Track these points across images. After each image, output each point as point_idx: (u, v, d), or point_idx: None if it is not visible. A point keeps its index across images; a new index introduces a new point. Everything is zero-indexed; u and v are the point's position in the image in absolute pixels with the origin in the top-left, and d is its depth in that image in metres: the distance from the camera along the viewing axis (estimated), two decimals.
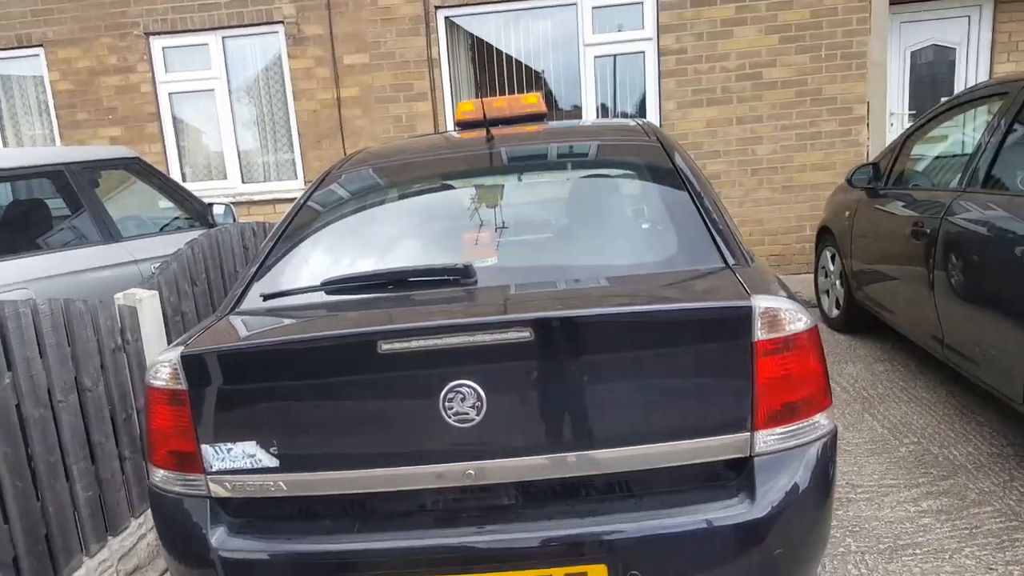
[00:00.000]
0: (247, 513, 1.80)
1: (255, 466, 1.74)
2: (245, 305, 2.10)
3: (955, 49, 7.42)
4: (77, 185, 4.52)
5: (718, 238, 2.03)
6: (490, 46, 7.19)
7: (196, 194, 5.86)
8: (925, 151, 4.46)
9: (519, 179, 2.63)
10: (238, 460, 1.75)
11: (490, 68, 7.24)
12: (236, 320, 1.99)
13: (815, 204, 6.81)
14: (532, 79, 7.19)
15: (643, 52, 6.89)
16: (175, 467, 1.80)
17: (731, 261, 1.96)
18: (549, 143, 2.79)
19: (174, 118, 7.79)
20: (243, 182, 7.80)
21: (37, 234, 4.34)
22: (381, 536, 1.71)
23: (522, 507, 1.75)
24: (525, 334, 1.64)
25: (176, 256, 3.83)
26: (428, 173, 2.69)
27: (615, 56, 6.96)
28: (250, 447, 1.74)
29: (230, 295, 2.19)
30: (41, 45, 7.80)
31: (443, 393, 1.66)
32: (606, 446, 1.69)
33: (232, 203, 7.43)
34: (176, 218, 5.42)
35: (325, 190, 2.61)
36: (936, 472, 3.07)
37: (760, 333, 1.68)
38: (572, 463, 1.70)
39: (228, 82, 7.64)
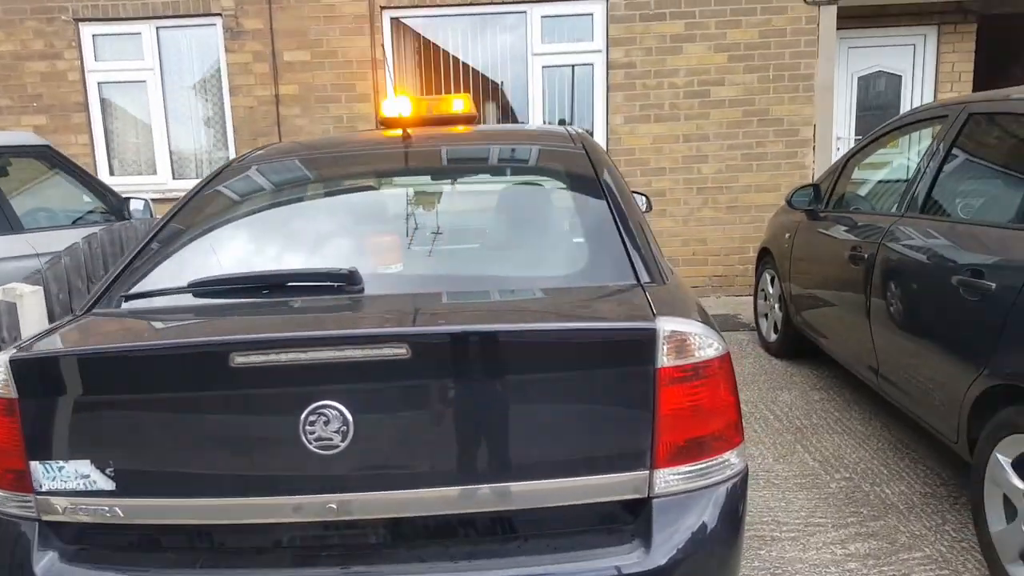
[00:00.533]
0: (83, 540, 1.62)
1: (89, 488, 1.56)
2: (104, 306, 1.90)
3: (901, 77, 7.46)
4: None
5: (632, 253, 1.86)
6: (437, 49, 6.98)
7: (124, 189, 5.51)
8: (867, 174, 4.37)
9: (432, 181, 2.45)
10: (70, 480, 1.57)
11: (437, 72, 7.02)
12: (86, 322, 1.79)
13: (759, 225, 6.74)
14: (480, 85, 6.99)
15: (592, 64, 6.74)
16: (7, 486, 1.63)
17: (644, 279, 1.79)
18: (469, 145, 2.62)
19: (103, 109, 7.38)
20: (174, 178, 7.42)
21: None
22: (228, 573, 1.52)
23: (391, 547, 1.56)
24: (400, 351, 1.46)
25: (69, 250, 3.53)
26: (335, 172, 2.48)
27: (563, 67, 6.80)
28: (84, 467, 1.56)
29: (91, 294, 1.98)
30: None
31: (304, 415, 1.48)
32: (488, 481, 1.50)
33: (161, 199, 7.05)
34: (92, 211, 5.07)
35: (220, 185, 2.39)
36: (866, 511, 2.91)
37: (664, 359, 1.50)
38: (448, 499, 1.51)
39: (161, 74, 7.27)
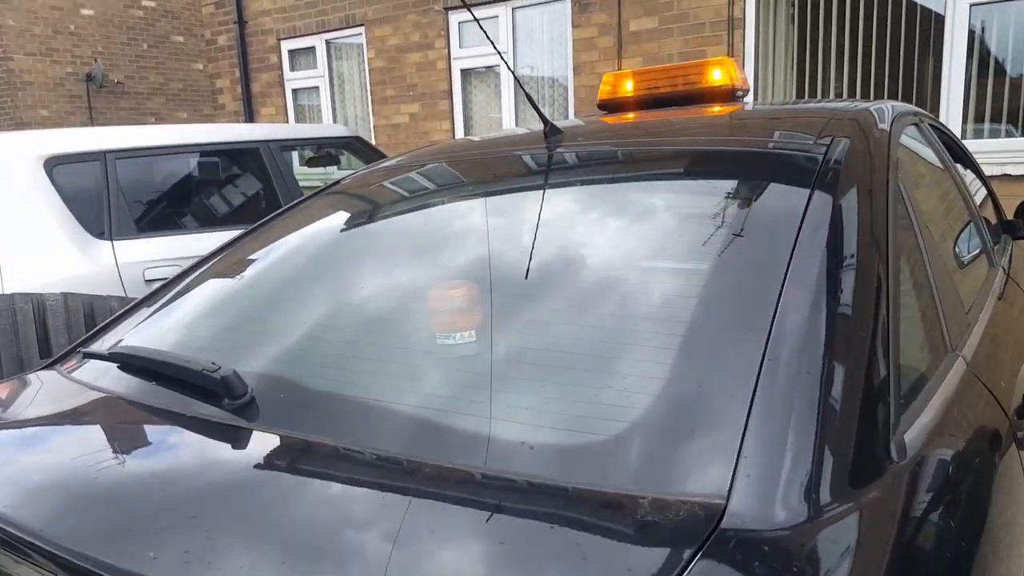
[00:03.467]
0: None
1: None
2: (71, 358, 1.46)
3: None
4: (271, 163, 4.16)
5: (763, 423, 0.82)
6: (815, 2, 5.40)
7: None
8: None
9: (560, 214, 1.45)
10: None
11: (813, 30, 5.44)
12: (26, 380, 1.41)
13: None
14: (871, 43, 5.23)
15: None
16: None
17: (751, 505, 0.75)
18: (652, 151, 1.60)
19: (464, 96, 7.45)
20: None
21: (206, 212, 4.05)
22: None
23: None
24: None
25: None
26: (443, 196, 1.72)
27: (1004, 2, 4.67)
28: None
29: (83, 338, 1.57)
30: (362, 24, 8.04)
31: None
32: None
33: None
34: None
35: (296, 211, 1.85)
36: None
37: None
38: None
39: (514, 57, 7.02)
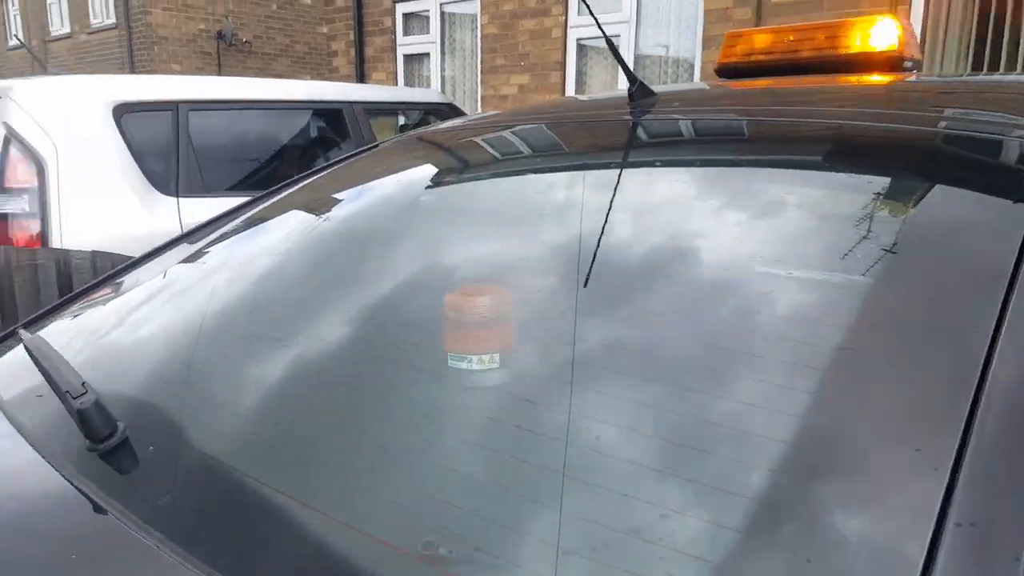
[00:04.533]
0: None
1: None
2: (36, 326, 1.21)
3: None
4: (352, 126, 3.87)
5: None
6: None
7: None
8: None
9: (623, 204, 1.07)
10: None
11: (999, 8, 4.52)
12: None
13: None
14: None
15: None
16: None
17: None
18: (797, 132, 1.16)
19: (578, 68, 6.89)
20: None
21: (279, 173, 3.74)
22: None
23: None
24: None
25: None
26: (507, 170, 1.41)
27: None
28: None
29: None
30: None
31: None
32: None
33: None
34: None
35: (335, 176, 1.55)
36: None
37: None
38: None
39: (636, 27, 6.38)
